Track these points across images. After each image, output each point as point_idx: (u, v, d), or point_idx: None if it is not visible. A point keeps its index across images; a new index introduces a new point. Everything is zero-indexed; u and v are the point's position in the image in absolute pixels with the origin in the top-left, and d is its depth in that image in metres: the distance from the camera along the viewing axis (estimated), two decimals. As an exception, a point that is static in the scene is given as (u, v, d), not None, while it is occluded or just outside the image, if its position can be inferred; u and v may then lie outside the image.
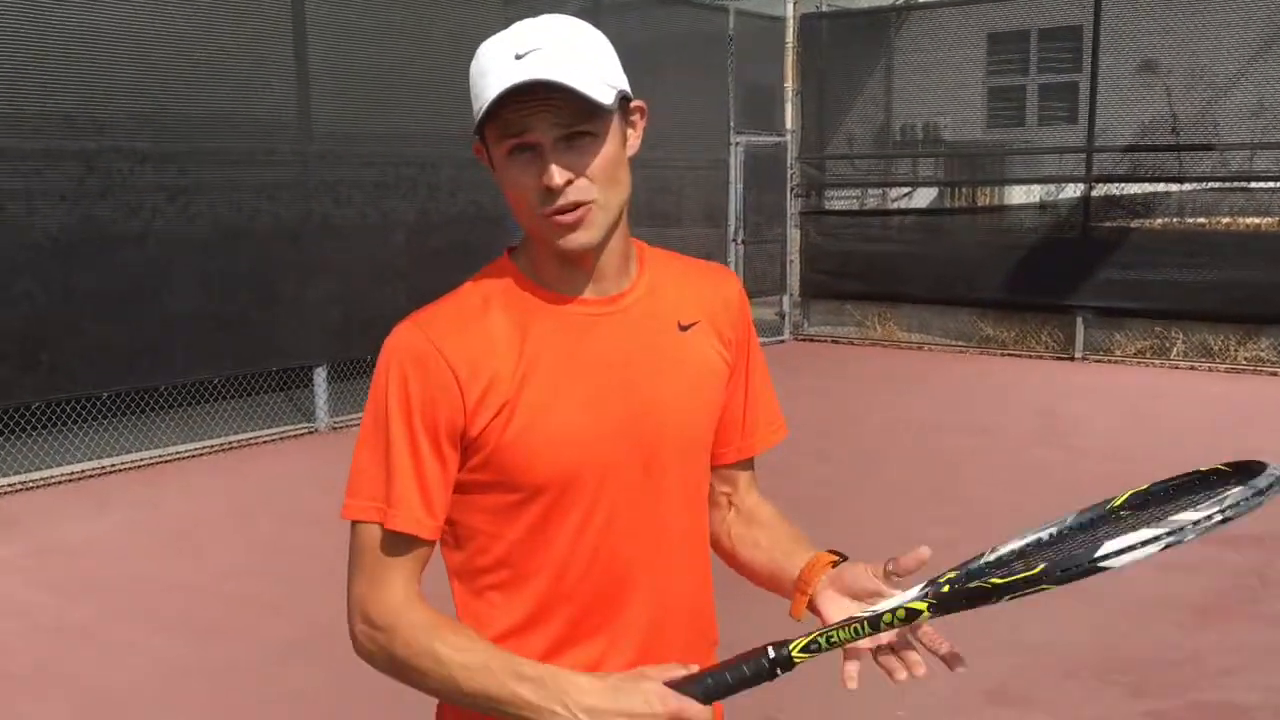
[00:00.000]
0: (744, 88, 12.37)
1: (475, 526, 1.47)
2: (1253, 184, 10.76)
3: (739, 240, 12.42)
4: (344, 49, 8.57)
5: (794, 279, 13.01)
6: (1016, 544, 1.41)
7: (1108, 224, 11.20)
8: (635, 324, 1.49)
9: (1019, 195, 12.90)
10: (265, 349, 8.28)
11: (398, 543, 1.42)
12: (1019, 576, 1.30)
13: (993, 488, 6.78)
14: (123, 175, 7.38)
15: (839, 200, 13.74)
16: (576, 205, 1.38)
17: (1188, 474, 1.40)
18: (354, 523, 1.44)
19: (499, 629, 1.47)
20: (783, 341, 12.68)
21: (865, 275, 12.48)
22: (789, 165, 12.88)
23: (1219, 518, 1.25)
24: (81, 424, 7.41)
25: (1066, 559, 1.29)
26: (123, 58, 7.37)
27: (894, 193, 13.73)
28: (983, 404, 9.53)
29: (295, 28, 8.20)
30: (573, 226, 1.39)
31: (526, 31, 1.37)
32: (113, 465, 7.35)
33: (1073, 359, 11.19)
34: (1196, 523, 1.24)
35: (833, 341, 12.44)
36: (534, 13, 1.46)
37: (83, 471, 7.21)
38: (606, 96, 1.36)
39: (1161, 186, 11.06)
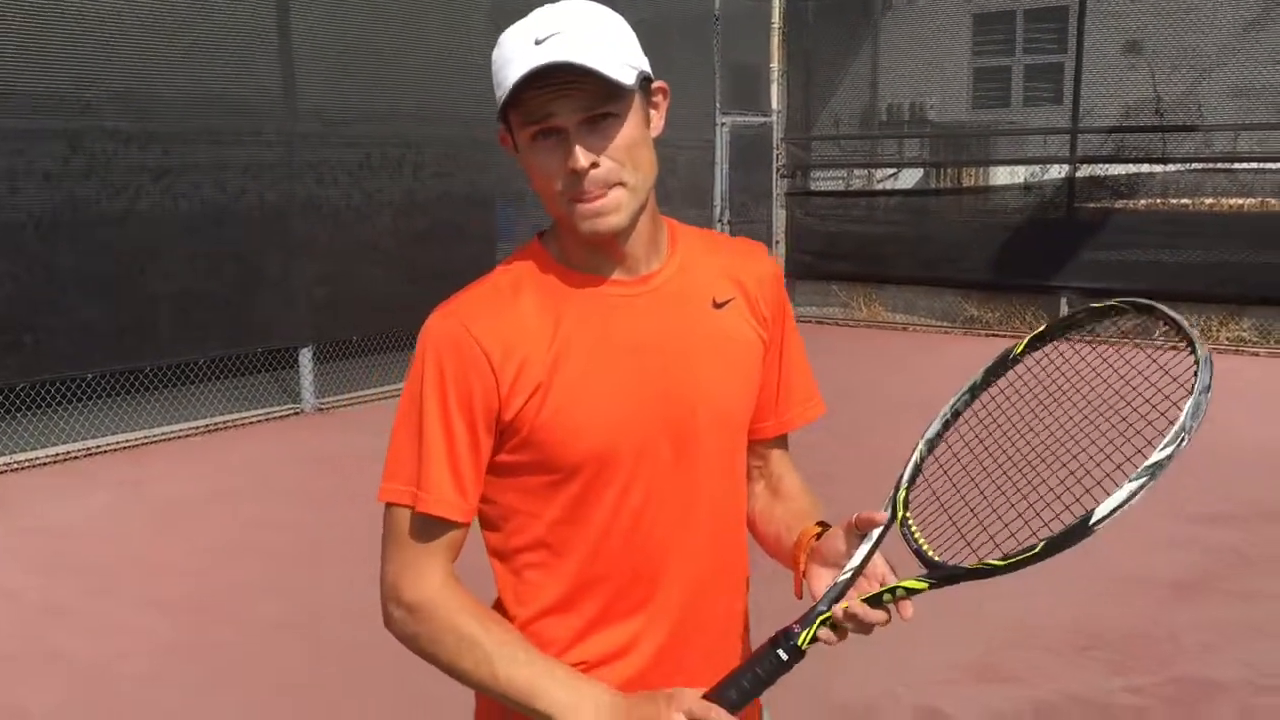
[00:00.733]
0: (730, 68, 12.35)
1: (513, 507, 1.48)
2: (1236, 165, 10.81)
3: (725, 221, 12.42)
4: (330, 28, 8.53)
5: (780, 260, 13.03)
6: (938, 425, 1.55)
7: (1092, 205, 11.24)
8: (667, 303, 1.49)
9: (1004, 176, 12.93)
10: (251, 330, 8.27)
11: (430, 526, 1.44)
12: (1016, 560, 1.35)
13: (971, 460, 6.82)
14: (107, 155, 7.34)
15: (825, 181, 13.75)
16: (602, 187, 1.38)
17: (1078, 310, 1.53)
18: (388, 506, 1.46)
19: (537, 608, 1.49)
20: (769, 322, 12.68)
21: (851, 256, 12.51)
22: (775, 146, 12.88)
23: (1186, 439, 1.30)
24: (67, 405, 7.39)
25: (1061, 532, 1.33)
26: (107, 37, 7.32)
27: (879, 173, 13.75)
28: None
29: (279, 6, 8.15)
30: (600, 210, 1.39)
31: (545, 16, 1.38)
32: (99, 446, 7.34)
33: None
34: (1170, 457, 1.29)
35: (818, 322, 12.47)
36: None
37: (69, 452, 7.20)
38: (628, 77, 1.37)
39: (1145, 167, 11.10)
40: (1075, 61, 11.16)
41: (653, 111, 1.47)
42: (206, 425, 7.91)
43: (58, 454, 7.16)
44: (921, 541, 1.46)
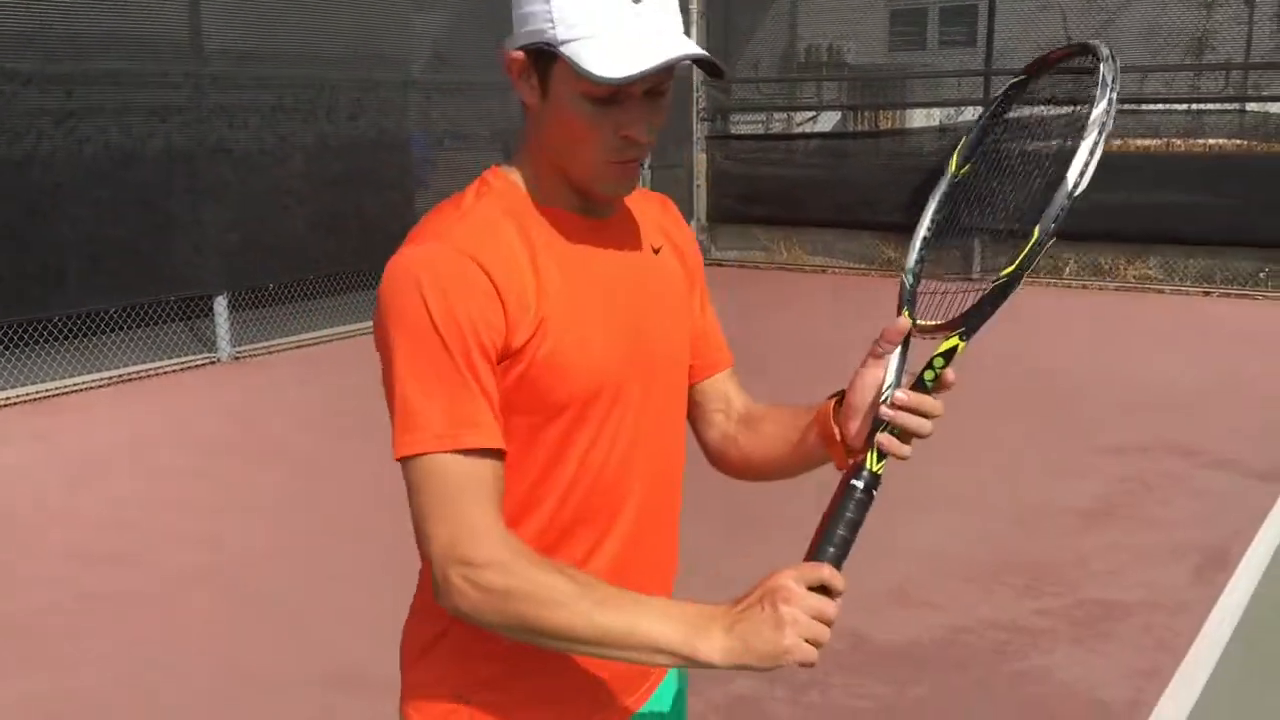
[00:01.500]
0: (649, 9, 12.24)
1: None
2: (1143, 106, 11.04)
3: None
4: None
5: (701, 204, 13.05)
6: (913, 255, 1.70)
7: (1005, 147, 11.40)
8: (624, 244, 1.50)
9: (920, 119, 13.06)
10: (162, 277, 8.07)
11: (478, 465, 1.30)
12: (1024, 254, 1.45)
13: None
14: (5, 97, 7.09)
15: (745, 125, 13.77)
16: (643, 155, 1.39)
17: (996, 97, 1.66)
18: (416, 462, 1.29)
19: None
20: (690, 266, 12.72)
21: (771, 199, 12.56)
22: (695, 89, 12.85)
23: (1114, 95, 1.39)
24: (-29, 357, 7.19)
25: (1048, 211, 1.44)
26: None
27: (799, 117, 13.80)
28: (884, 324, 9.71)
29: (184, -57, 7.89)
30: (632, 177, 1.41)
31: None
32: (7, 399, 7.15)
33: (970, 279, 11.43)
34: (1107, 110, 1.40)
35: (740, 266, 12.54)
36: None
37: (-25, 405, 7.02)
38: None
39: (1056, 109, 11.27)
40: (989, 3, 11.27)
41: None
42: (121, 375, 7.74)
43: (-36, 407, 6.98)
44: (935, 322, 1.55)
